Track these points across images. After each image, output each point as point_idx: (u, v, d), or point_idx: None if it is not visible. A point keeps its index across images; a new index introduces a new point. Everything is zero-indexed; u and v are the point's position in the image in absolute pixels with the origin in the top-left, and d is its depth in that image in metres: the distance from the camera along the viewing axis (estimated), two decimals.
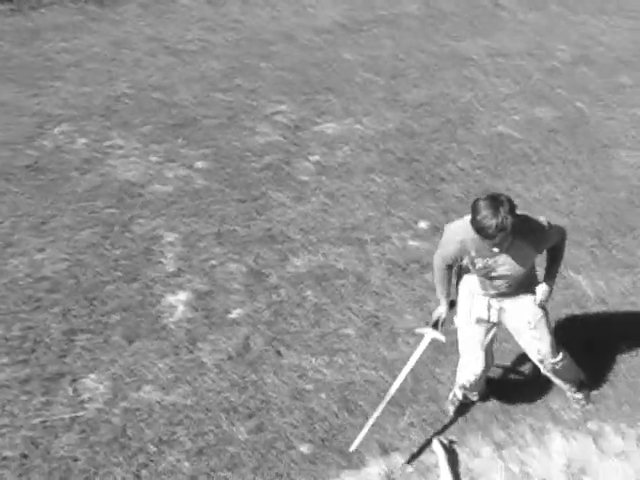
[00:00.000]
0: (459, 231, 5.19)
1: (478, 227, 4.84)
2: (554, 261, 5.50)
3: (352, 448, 5.60)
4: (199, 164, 8.64)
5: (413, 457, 5.71)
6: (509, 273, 5.25)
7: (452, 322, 5.70)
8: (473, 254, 5.18)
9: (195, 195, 8.14)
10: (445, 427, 5.92)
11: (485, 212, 4.79)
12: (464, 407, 5.97)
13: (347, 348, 6.49)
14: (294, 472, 5.69)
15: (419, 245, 7.45)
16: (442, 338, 5.69)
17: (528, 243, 5.12)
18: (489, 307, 5.54)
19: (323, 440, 5.87)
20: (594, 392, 6.11)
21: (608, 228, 7.66)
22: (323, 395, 6.15)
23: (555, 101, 9.92)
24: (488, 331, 5.63)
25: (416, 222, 7.74)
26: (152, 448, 5.74)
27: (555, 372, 5.73)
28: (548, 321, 5.59)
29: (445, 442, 5.75)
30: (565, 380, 5.86)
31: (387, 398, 5.67)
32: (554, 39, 11.64)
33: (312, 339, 6.57)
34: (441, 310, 5.70)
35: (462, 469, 5.65)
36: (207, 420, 5.96)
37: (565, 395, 6.02)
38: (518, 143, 8.93)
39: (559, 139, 9.07)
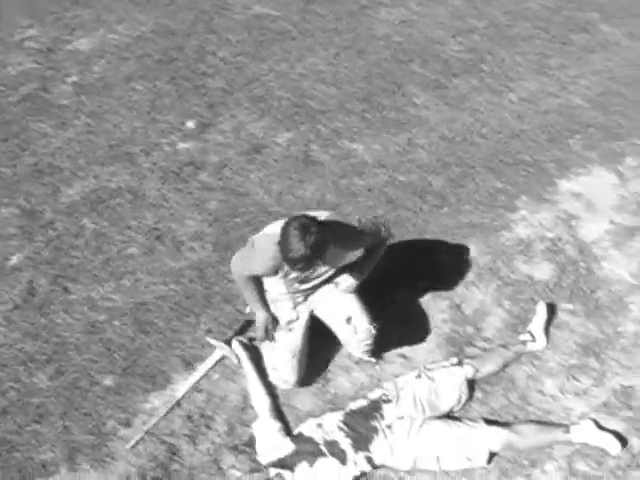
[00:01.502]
0: (272, 251, 4.81)
1: (286, 260, 4.61)
2: (368, 257, 5.25)
3: (128, 446, 5.32)
4: None
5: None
6: (325, 275, 5.12)
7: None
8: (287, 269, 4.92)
9: None
10: (243, 326, 5.78)
11: (293, 245, 4.53)
12: None
13: (133, 269, 6.25)
14: (102, 407, 5.50)
15: (189, 146, 7.19)
16: (234, 359, 5.51)
17: (342, 249, 4.91)
18: (295, 305, 5.35)
19: (125, 368, 5.68)
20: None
21: (376, 90, 7.57)
22: (117, 322, 5.93)
23: None
24: (299, 334, 5.37)
25: (183, 123, 7.45)
26: None
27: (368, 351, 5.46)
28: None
29: (245, 341, 5.62)
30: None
31: (171, 404, 5.49)
32: None
33: (96, 267, 6.30)
34: (261, 317, 5.35)
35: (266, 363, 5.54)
36: (5, 377, 5.67)
37: None
38: (276, 21, 8.67)
39: (317, 9, 8.85)
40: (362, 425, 4.98)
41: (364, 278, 5.32)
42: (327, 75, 7.83)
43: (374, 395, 5.14)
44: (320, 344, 5.49)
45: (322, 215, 4.95)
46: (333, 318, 5.39)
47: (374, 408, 5.06)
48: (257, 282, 5.25)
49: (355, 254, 5.08)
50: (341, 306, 5.33)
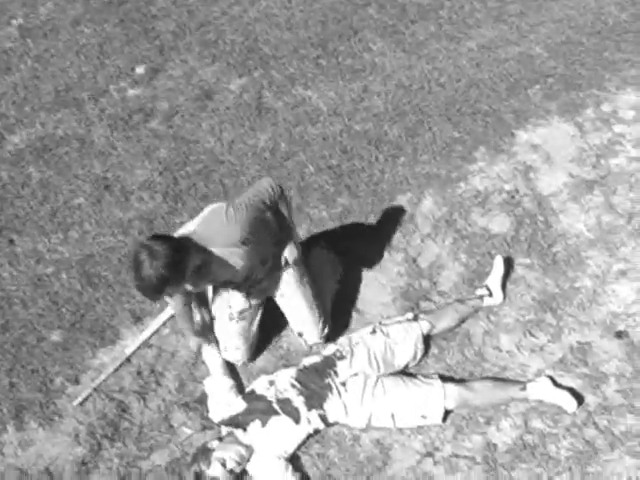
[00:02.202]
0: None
1: (138, 290, 4.36)
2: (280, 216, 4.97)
3: (75, 403, 5.22)
4: None
5: None
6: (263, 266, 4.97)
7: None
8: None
9: None
10: None
11: (142, 273, 4.22)
12: None
13: (80, 219, 6.11)
14: (49, 364, 5.42)
15: (139, 93, 6.99)
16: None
17: (225, 254, 4.62)
18: (248, 295, 5.14)
19: (72, 323, 5.58)
20: (338, 210, 5.96)
21: (331, 35, 7.36)
22: (64, 275, 5.80)
23: None
24: (252, 320, 5.22)
25: (133, 68, 7.24)
26: None
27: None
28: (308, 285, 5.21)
29: None
30: None
31: (121, 360, 5.37)
32: None
33: (43, 218, 6.16)
34: (192, 344, 5.26)
35: None
36: None
37: (310, 219, 5.87)
38: None
39: None
40: (316, 382, 4.89)
41: (297, 235, 5.12)
42: (281, 19, 7.61)
43: (328, 351, 5.05)
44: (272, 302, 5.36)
45: (195, 222, 4.64)
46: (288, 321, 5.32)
47: (328, 365, 4.96)
48: (189, 312, 5.12)
49: (245, 249, 4.69)
50: (294, 315, 5.23)
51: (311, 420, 4.82)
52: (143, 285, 4.25)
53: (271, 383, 4.94)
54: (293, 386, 4.88)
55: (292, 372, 4.97)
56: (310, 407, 4.83)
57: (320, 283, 5.31)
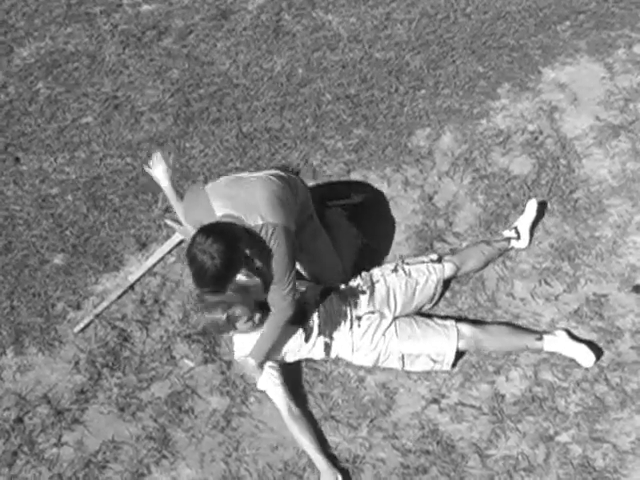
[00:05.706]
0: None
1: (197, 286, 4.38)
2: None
3: (76, 330, 5.12)
4: None
5: None
6: None
7: None
8: None
9: None
10: None
11: (204, 268, 4.22)
12: None
13: (88, 139, 5.94)
14: (51, 288, 5.32)
15: (153, 8, 6.71)
16: None
17: None
18: None
19: (75, 246, 5.44)
20: (354, 142, 5.78)
21: None
22: (69, 197, 5.68)
23: None
24: None
25: None
26: None
27: None
28: None
29: None
30: None
31: (124, 287, 5.25)
32: None
33: (50, 136, 5.98)
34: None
35: None
36: None
37: (325, 149, 5.71)
38: None
39: None
40: (335, 305, 4.77)
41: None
42: None
43: (351, 283, 4.91)
44: None
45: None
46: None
47: (351, 293, 4.84)
48: None
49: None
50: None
51: (316, 344, 4.75)
52: (207, 283, 4.27)
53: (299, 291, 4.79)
54: (316, 302, 4.77)
55: (318, 289, 4.88)
56: (320, 332, 4.73)
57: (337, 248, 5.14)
